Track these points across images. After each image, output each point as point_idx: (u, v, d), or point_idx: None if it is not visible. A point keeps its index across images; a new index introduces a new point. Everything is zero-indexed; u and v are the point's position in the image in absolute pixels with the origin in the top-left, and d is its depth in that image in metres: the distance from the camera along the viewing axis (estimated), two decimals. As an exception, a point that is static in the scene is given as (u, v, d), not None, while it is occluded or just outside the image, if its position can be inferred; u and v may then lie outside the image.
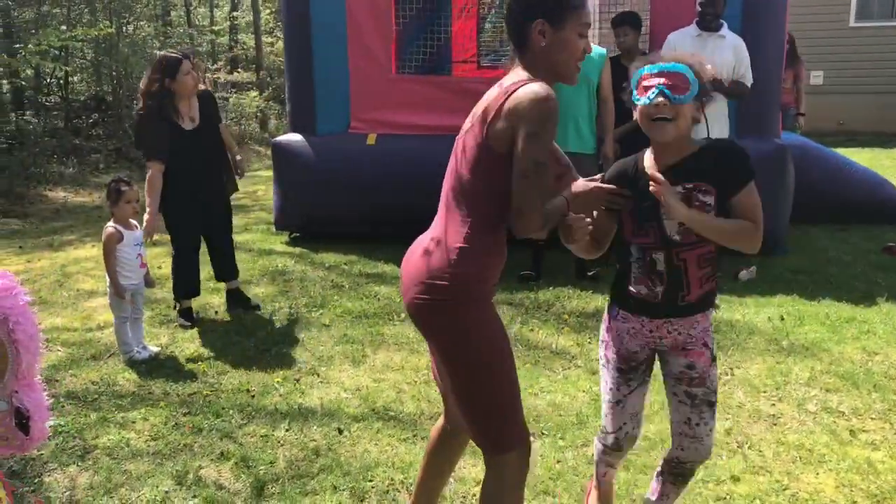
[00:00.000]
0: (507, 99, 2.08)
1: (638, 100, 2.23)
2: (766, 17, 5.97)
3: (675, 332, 2.35)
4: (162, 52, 4.87)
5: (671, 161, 2.28)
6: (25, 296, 1.72)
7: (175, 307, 5.08)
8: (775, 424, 3.52)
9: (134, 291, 4.45)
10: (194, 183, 4.79)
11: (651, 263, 2.32)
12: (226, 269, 5.22)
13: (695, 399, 2.38)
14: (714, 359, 2.39)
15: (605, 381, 2.50)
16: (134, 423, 3.65)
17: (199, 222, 4.97)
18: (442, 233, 2.21)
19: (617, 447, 2.55)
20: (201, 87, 4.92)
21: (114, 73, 13.48)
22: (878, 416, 3.58)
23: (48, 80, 13.79)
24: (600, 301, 5.21)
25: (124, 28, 14.00)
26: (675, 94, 2.18)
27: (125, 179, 4.50)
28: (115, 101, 13.37)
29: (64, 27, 12.15)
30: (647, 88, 2.21)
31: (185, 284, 5.01)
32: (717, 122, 5.55)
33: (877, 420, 3.54)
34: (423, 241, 2.29)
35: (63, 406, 3.81)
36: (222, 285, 5.34)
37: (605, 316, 2.51)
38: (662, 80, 2.19)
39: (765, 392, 3.84)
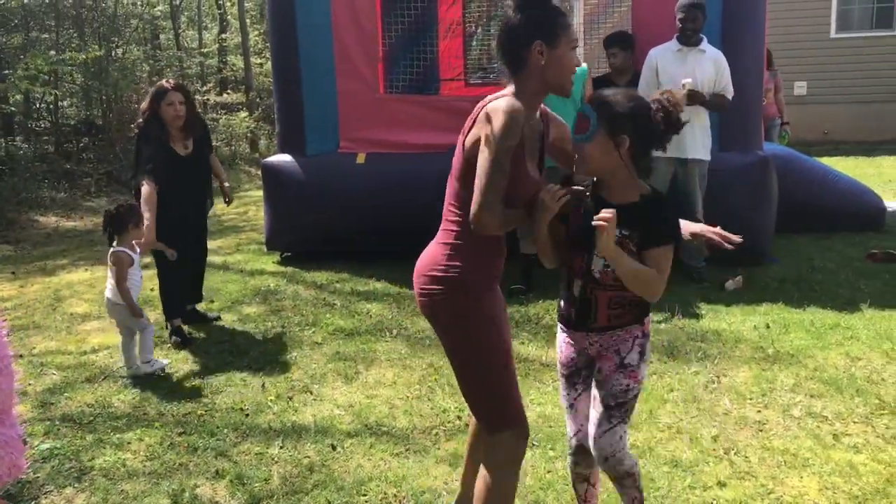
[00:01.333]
0: (480, 112, 2.33)
1: None
2: (745, 32, 6.08)
3: (597, 343, 2.48)
4: (163, 80, 5.15)
5: (614, 202, 2.34)
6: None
7: (166, 327, 5.15)
8: (761, 430, 3.59)
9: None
10: (185, 207, 4.98)
11: (568, 286, 2.50)
12: (197, 293, 5.43)
13: (595, 400, 2.50)
14: (623, 366, 2.44)
15: (560, 390, 2.64)
16: (129, 443, 3.69)
17: (188, 245, 5.10)
18: (440, 232, 2.49)
19: (580, 450, 2.61)
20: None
21: (103, 97, 13.54)
22: (861, 419, 3.65)
23: (38, 105, 13.85)
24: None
25: (113, 52, 14.09)
26: (576, 134, 2.41)
27: (134, 204, 4.62)
28: (105, 124, 13.42)
29: (53, 52, 12.23)
30: None
31: (177, 305, 5.14)
32: (700, 135, 5.65)
33: (859, 424, 3.61)
34: (430, 244, 2.54)
35: (58, 429, 3.85)
36: (213, 306, 5.44)
37: None
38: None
39: (751, 399, 3.91)
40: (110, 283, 4.49)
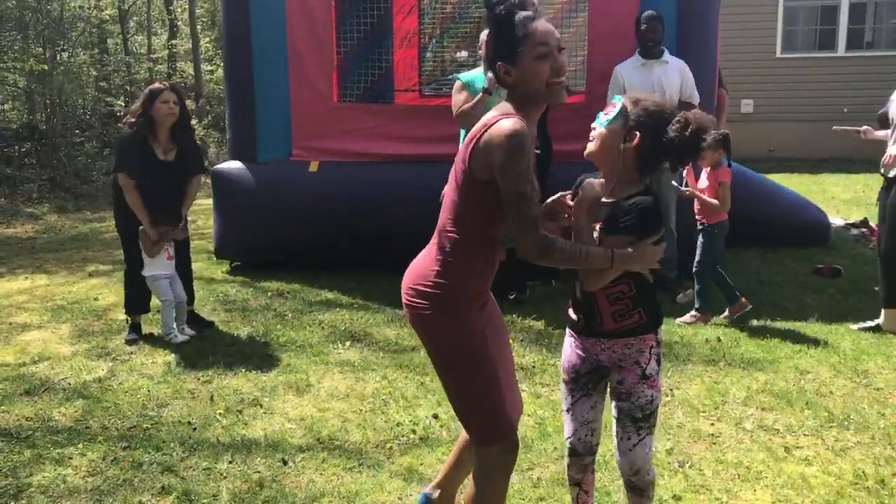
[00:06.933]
0: (484, 132, 2.26)
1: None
2: (699, 50, 6.16)
3: (609, 349, 2.46)
4: (155, 84, 5.23)
5: (613, 195, 2.44)
6: None
7: (127, 321, 5.29)
8: (714, 443, 3.61)
9: (171, 280, 5.12)
10: (154, 209, 5.04)
11: (574, 290, 2.52)
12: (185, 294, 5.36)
13: (621, 412, 2.48)
14: (646, 377, 2.44)
15: (560, 394, 2.65)
16: (71, 458, 3.55)
17: None
18: (432, 245, 2.45)
19: (573, 453, 2.62)
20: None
21: (47, 102, 13.18)
22: (811, 432, 3.70)
23: (-23, 109, 13.44)
24: (541, 325, 5.27)
25: (59, 56, 13.74)
26: (601, 117, 2.44)
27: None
28: (48, 129, 13.07)
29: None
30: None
31: (138, 299, 5.26)
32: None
33: (810, 437, 3.66)
34: (423, 251, 2.51)
35: (-5, 444, 3.69)
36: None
37: None
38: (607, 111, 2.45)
39: (704, 412, 3.93)
40: (146, 260, 5.06)
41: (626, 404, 2.46)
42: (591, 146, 2.45)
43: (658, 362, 2.47)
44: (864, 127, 5.41)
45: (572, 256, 2.28)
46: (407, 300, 2.45)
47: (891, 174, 4.94)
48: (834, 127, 5.80)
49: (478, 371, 2.38)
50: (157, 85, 5.13)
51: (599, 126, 2.43)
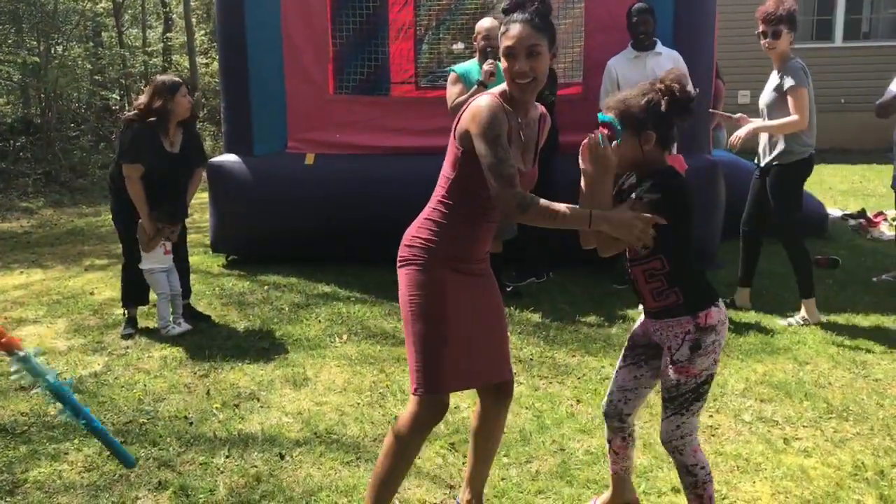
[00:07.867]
0: (467, 107, 2.52)
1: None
2: (696, 41, 6.15)
3: (658, 332, 2.56)
4: (161, 77, 5.14)
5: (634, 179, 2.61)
6: None
7: (124, 314, 5.25)
8: (713, 435, 3.60)
9: (168, 273, 5.14)
10: (157, 201, 5.02)
11: (628, 270, 2.67)
12: (181, 288, 5.35)
13: (663, 392, 2.58)
14: (673, 362, 2.50)
15: None
16: (67, 454, 3.53)
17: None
18: (424, 210, 2.65)
19: (604, 411, 2.80)
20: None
21: (42, 96, 13.12)
22: (810, 423, 3.69)
23: (-28, 103, 13.38)
24: (539, 317, 5.26)
25: (53, 49, 13.66)
26: (609, 140, 2.49)
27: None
28: (43, 123, 13.01)
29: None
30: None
31: (136, 291, 5.25)
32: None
33: (808, 428, 3.65)
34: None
35: (-10, 439, 3.67)
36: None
37: None
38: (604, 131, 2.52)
39: (702, 404, 3.92)
40: (143, 254, 5.07)
41: (661, 382, 2.59)
42: (610, 166, 2.52)
43: (693, 349, 2.48)
44: (738, 115, 5.51)
45: (551, 214, 2.39)
46: (398, 256, 2.64)
47: (763, 163, 5.28)
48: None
49: (431, 323, 2.54)
50: (174, 78, 5.08)
51: (611, 145, 2.49)
